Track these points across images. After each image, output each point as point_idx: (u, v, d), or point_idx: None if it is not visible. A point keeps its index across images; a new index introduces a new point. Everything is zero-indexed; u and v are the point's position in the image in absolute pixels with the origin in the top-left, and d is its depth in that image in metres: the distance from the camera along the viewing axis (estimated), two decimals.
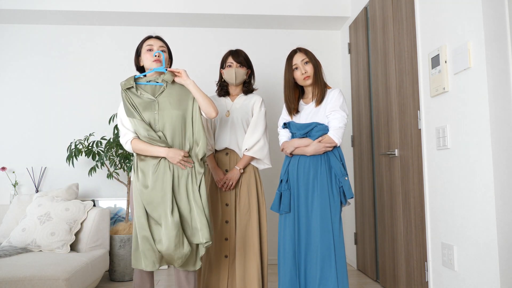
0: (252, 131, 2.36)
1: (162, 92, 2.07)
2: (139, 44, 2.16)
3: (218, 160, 2.42)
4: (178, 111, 2.04)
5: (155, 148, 1.98)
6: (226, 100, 2.48)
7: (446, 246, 1.99)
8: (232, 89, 2.48)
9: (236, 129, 2.39)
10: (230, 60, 2.40)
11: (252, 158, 2.38)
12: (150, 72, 2.10)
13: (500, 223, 1.66)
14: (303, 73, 2.12)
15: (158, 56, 2.07)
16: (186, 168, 2.01)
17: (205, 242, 1.95)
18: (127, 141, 2.04)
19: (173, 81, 2.09)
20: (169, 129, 2.03)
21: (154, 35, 2.17)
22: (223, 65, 2.46)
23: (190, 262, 2.00)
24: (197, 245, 2.00)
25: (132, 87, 2.05)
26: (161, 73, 2.12)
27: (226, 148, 2.41)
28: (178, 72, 2.06)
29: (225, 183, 2.34)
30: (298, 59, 2.14)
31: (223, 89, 2.48)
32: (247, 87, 2.47)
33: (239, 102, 2.44)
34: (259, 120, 2.40)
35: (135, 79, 2.10)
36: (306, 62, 2.13)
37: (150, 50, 2.09)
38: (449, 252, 1.96)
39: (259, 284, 2.26)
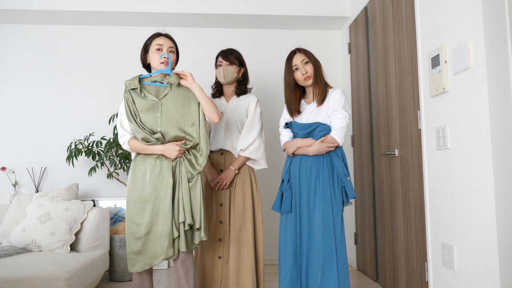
0: (247, 131, 2.35)
1: (167, 94, 2.06)
2: (148, 40, 2.12)
3: (213, 160, 2.41)
4: (180, 115, 2.03)
5: (151, 147, 2.02)
6: (221, 101, 2.46)
7: (446, 246, 1.99)
8: (225, 89, 2.46)
9: (230, 130, 2.38)
10: (220, 59, 2.40)
11: (248, 159, 2.37)
12: (156, 73, 2.09)
13: (500, 223, 1.66)
14: (303, 73, 2.12)
15: (166, 59, 2.06)
16: (182, 166, 2.03)
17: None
18: (124, 142, 2.09)
19: (179, 84, 2.08)
20: (171, 133, 2.03)
21: (163, 33, 2.14)
22: (216, 65, 2.45)
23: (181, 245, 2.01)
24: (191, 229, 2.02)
25: (136, 88, 2.04)
26: (167, 74, 2.11)
27: (221, 149, 2.40)
28: (184, 75, 2.05)
29: (218, 182, 2.33)
30: (298, 59, 2.14)
31: (217, 89, 2.47)
32: (239, 88, 2.43)
33: (234, 103, 2.43)
34: (255, 120, 2.37)
35: (140, 79, 2.09)
36: (306, 62, 2.13)
37: (159, 50, 2.07)
38: (449, 252, 1.96)
39: (254, 286, 2.25)
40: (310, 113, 2.16)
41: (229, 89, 2.45)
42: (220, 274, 2.31)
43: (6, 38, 3.63)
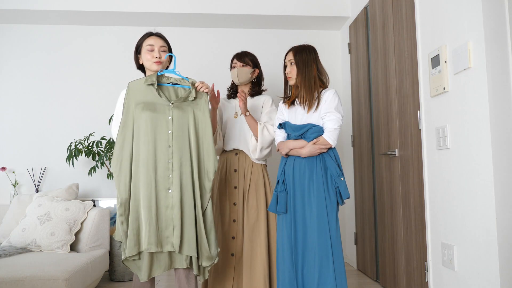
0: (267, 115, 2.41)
1: (181, 99, 1.98)
2: (139, 41, 2.11)
3: (227, 160, 2.44)
4: (194, 121, 1.98)
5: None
6: (235, 101, 2.48)
7: (446, 246, 1.99)
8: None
9: (245, 131, 2.40)
10: (234, 61, 2.46)
11: (256, 124, 2.33)
12: (165, 72, 2.04)
13: (500, 223, 1.66)
14: (287, 72, 2.16)
15: (160, 58, 2.03)
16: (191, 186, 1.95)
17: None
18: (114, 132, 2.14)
19: (196, 94, 2.02)
20: (179, 137, 1.94)
21: (154, 32, 2.12)
22: (231, 67, 2.50)
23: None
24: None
25: (154, 84, 1.96)
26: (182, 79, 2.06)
27: (235, 149, 2.43)
28: (207, 90, 2.03)
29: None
30: (288, 58, 2.18)
31: (232, 90, 2.53)
32: (253, 89, 2.47)
33: (248, 104, 2.45)
34: (272, 111, 2.42)
35: (157, 76, 2.01)
36: (292, 63, 2.15)
37: (150, 50, 2.05)
38: (449, 252, 1.96)
39: (265, 283, 2.27)
40: (303, 114, 2.15)
41: (244, 91, 2.47)
42: (232, 271, 2.34)
43: (6, 38, 3.63)
